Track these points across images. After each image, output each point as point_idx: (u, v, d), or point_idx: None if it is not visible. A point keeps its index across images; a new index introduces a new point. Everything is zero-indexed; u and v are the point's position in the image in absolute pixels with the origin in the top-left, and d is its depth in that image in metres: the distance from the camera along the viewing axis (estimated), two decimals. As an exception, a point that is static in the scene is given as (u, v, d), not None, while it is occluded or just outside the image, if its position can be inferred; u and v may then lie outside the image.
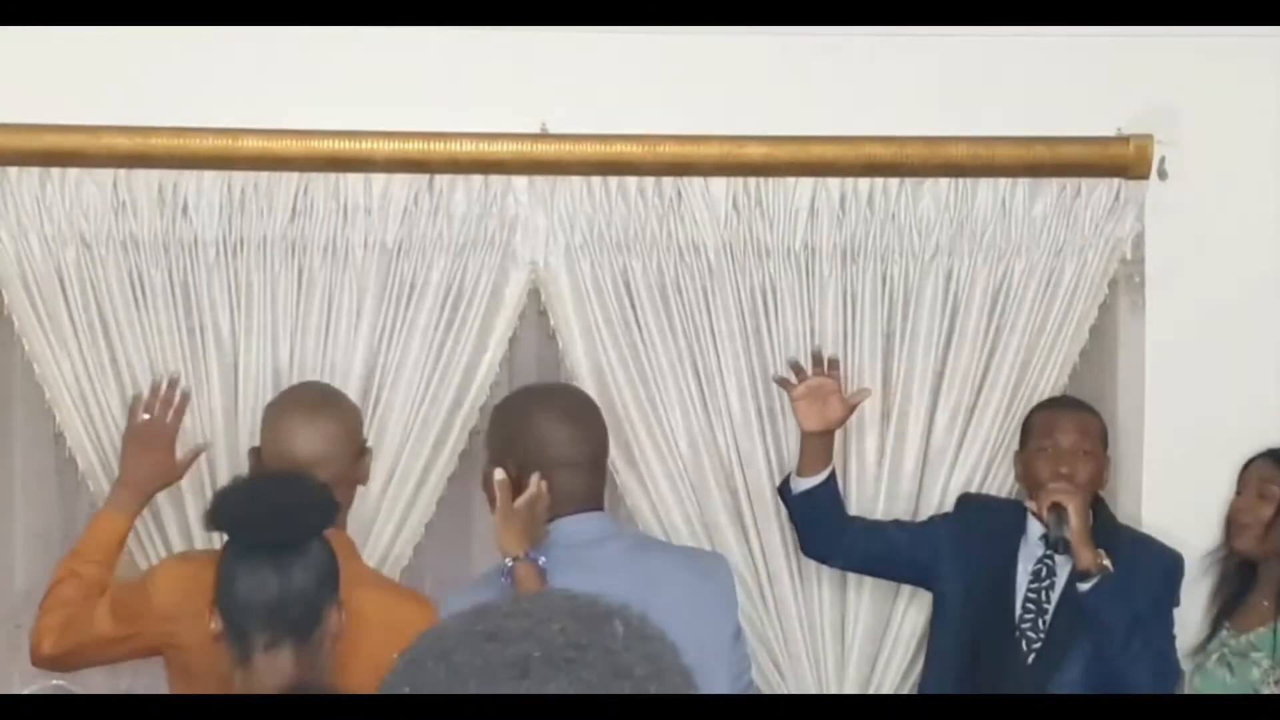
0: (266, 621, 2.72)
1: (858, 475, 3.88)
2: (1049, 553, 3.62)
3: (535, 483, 3.18)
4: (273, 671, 2.71)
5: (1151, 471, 3.92)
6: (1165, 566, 3.67)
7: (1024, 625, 3.64)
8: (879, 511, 3.88)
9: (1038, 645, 3.62)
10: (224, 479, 3.56)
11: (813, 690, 3.86)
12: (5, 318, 3.79)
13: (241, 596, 2.74)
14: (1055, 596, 3.64)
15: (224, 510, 2.81)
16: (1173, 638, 3.66)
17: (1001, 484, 3.92)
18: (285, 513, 2.77)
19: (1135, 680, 3.50)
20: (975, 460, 3.90)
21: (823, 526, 3.73)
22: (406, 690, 1.10)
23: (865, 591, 3.89)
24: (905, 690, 3.92)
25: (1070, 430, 3.67)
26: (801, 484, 3.71)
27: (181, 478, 3.55)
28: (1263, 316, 3.94)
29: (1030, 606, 3.65)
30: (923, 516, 3.88)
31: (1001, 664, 3.61)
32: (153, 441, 3.49)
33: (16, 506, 3.88)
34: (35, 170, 3.73)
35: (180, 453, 3.53)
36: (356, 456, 3.30)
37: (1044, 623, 3.63)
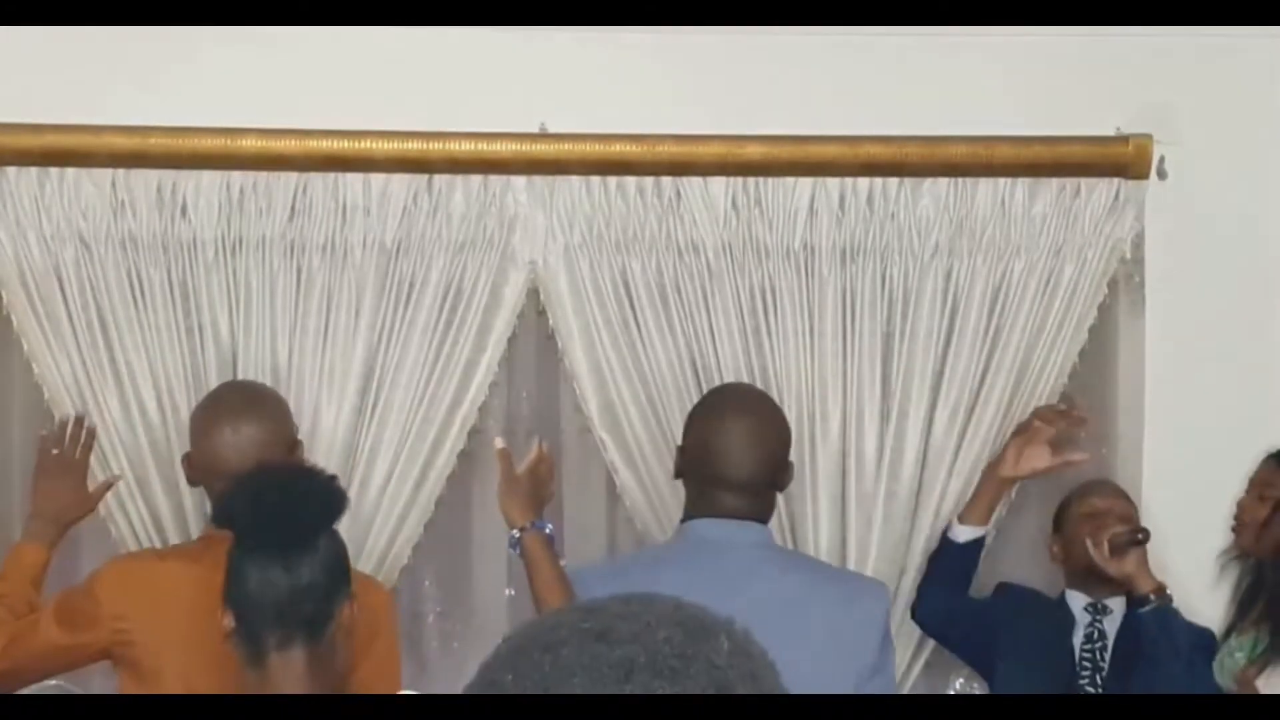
0: (278, 620, 2.71)
1: (857, 475, 3.88)
2: (1098, 619, 3.72)
3: (536, 446, 3.18)
4: (286, 671, 2.70)
5: (1151, 472, 3.92)
6: (1198, 640, 3.69)
7: (1082, 681, 3.69)
8: (879, 512, 3.88)
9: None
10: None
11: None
12: (4, 317, 3.79)
13: (252, 595, 2.72)
14: (1108, 655, 3.70)
15: (231, 508, 2.80)
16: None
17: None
18: (292, 509, 2.76)
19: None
20: (975, 460, 3.89)
21: (957, 585, 3.73)
22: (509, 679, 1.09)
23: (865, 591, 3.89)
24: (905, 690, 3.91)
25: (1114, 502, 3.75)
26: (968, 533, 3.71)
27: (94, 509, 3.54)
28: (1263, 316, 3.94)
29: (1086, 664, 3.71)
30: (923, 516, 3.88)
31: None
32: (63, 475, 3.49)
33: (16, 506, 3.87)
34: (34, 170, 3.72)
35: (92, 486, 3.53)
36: (288, 452, 3.27)
37: (1100, 678, 3.69)
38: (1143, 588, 3.61)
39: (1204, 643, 3.71)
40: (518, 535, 3.13)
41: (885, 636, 3.21)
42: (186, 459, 3.33)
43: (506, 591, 3.84)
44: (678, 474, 3.32)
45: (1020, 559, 3.96)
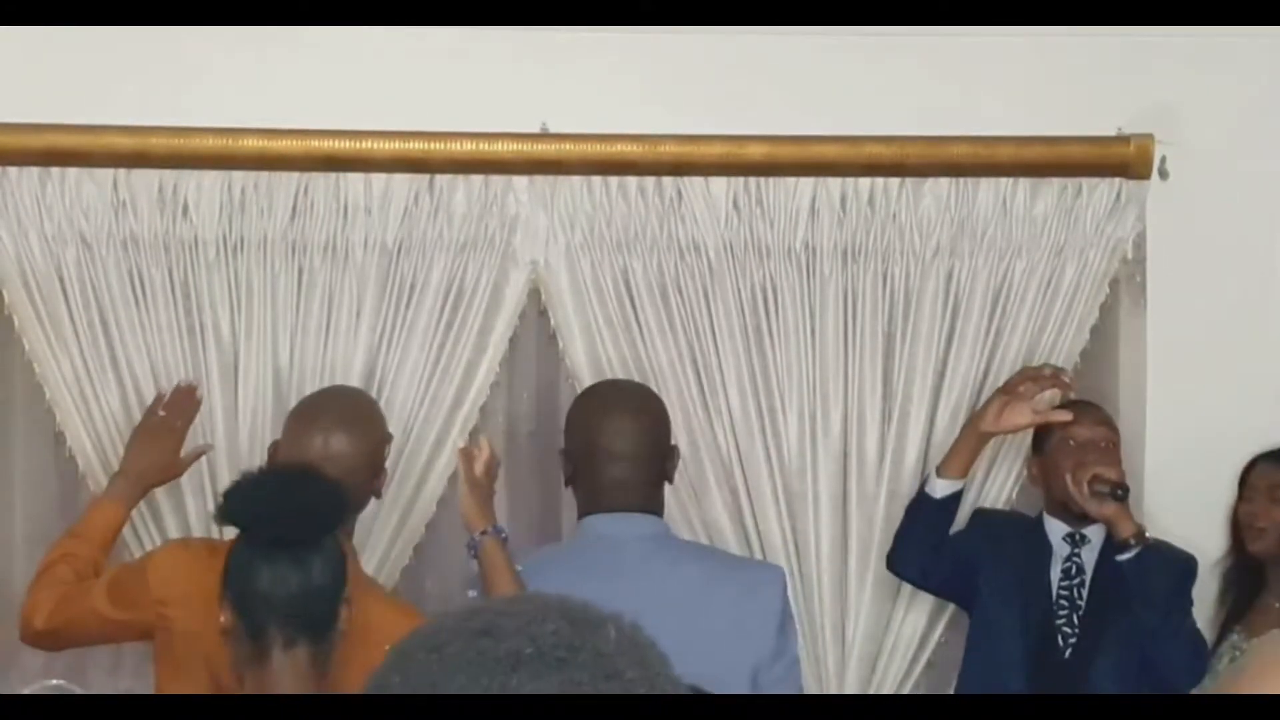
0: (285, 619, 2.69)
1: (859, 475, 3.88)
2: (1076, 551, 3.70)
3: (486, 445, 3.17)
4: (290, 670, 2.69)
5: (1153, 471, 3.92)
6: (1180, 570, 3.68)
7: (1059, 622, 3.67)
8: (879, 513, 3.88)
9: (1073, 640, 3.66)
10: (224, 478, 3.56)
11: (813, 690, 3.85)
12: (5, 317, 3.79)
13: (262, 592, 2.70)
14: (1085, 592, 3.68)
15: (238, 505, 2.77)
16: (1198, 627, 3.69)
17: (1002, 484, 3.92)
18: (303, 509, 2.75)
19: (1175, 656, 3.57)
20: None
21: (933, 537, 3.72)
22: (396, 680, 1.10)
23: (865, 592, 3.89)
24: (906, 691, 3.91)
25: (1093, 425, 3.71)
26: (945, 486, 3.70)
27: (182, 474, 3.58)
28: (1264, 316, 3.94)
29: (1064, 604, 3.69)
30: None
31: (1040, 663, 3.64)
32: (161, 437, 3.54)
33: (16, 506, 3.88)
34: (35, 170, 3.73)
35: (184, 452, 3.56)
36: (373, 475, 3.24)
37: (1077, 618, 3.67)
38: (1122, 532, 3.59)
39: (1185, 583, 3.67)
40: (478, 539, 3.13)
41: (784, 621, 3.24)
42: (274, 446, 3.33)
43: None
44: (568, 481, 3.34)
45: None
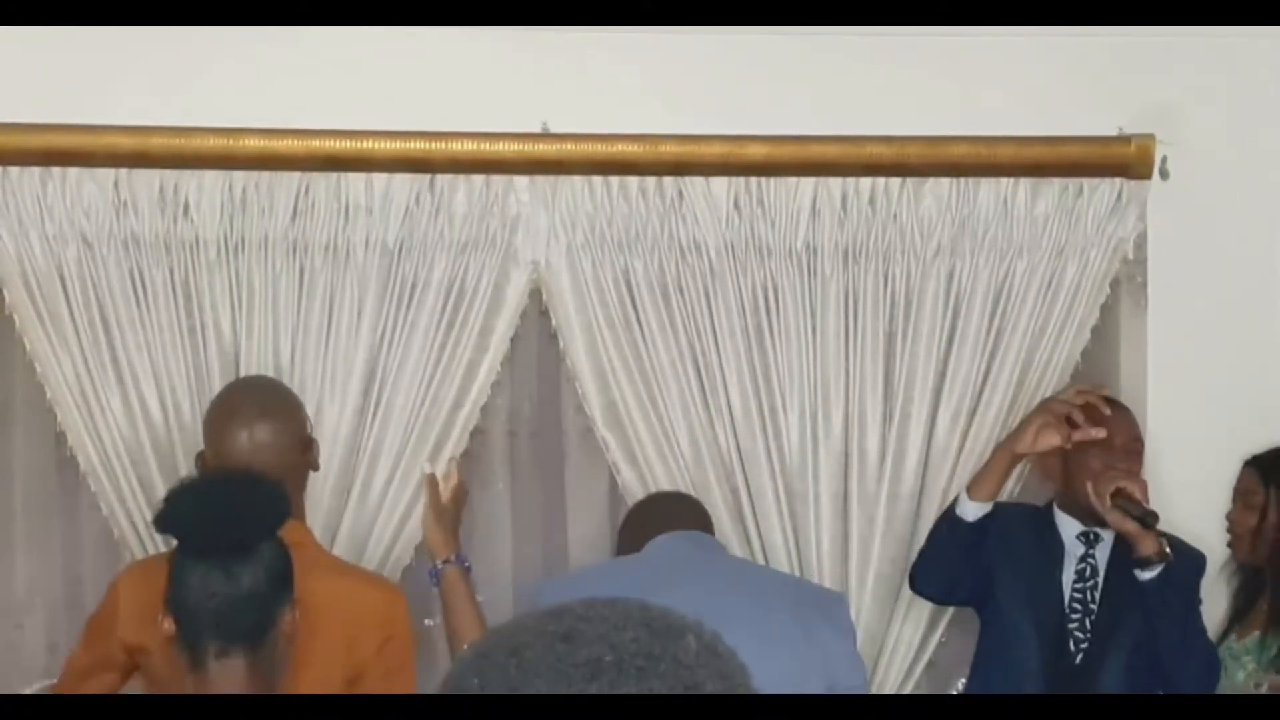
0: (217, 628, 2.66)
1: (860, 475, 3.88)
2: (1090, 551, 3.67)
3: (455, 471, 3.17)
4: (226, 678, 2.66)
5: (1154, 471, 3.90)
6: (1191, 566, 3.66)
7: (1071, 625, 3.65)
8: (880, 513, 3.87)
9: (1084, 645, 3.63)
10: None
11: (814, 690, 3.85)
12: (6, 317, 3.79)
13: (191, 602, 2.67)
14: (1098, 595, 3.65)
15: (172, 513, 2.75)
16: (1206, 631, 3.67)
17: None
18: (234, 515, 2.71)
19: (1187, 669, 3.54)
20: (977, 460, 3.89)
21: (962, 557, 3.67)
22: (474, 682, 1.09)
23: (866, 592, 3.88)
24: (907, 691, 3.91)
25: (1121, 428, 3.68)
26: (977, 509, 3.65)
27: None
28: (1265, 316, 3.94)
29: (1076, 607, 3.66)
30: (924, 516, 3.87)
31: (1052, 666, 3.61)
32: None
33: (16, 506, 3.87)
34: (36, 169, 3.72)
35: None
36: (302, 452, 3.26)
37: (1089, 622, 3.64)
38: (1144, 550, 3.52)
39: (1196, 583, 3.64)
40: (440, 567, 3.12)
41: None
42: (200, 458, 3.32)
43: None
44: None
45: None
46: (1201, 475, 3.85)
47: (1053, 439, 3.65)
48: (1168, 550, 3.52)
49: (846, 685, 3.12)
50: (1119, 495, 3.52)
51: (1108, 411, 3.68)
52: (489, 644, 1.12)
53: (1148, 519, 3.51)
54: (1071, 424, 3.64)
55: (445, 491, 3.18)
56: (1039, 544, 3.69)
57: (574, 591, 2.90)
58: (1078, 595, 3.67)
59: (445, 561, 3.12)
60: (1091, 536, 3.69)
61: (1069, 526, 3.70)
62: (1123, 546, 3.60)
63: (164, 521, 2.77)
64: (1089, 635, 3.63)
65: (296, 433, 3.28)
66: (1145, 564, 3.53)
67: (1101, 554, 3.68)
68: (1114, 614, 3.62)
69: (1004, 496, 3.86)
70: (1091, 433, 3.63)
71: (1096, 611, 3.65)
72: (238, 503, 2.74)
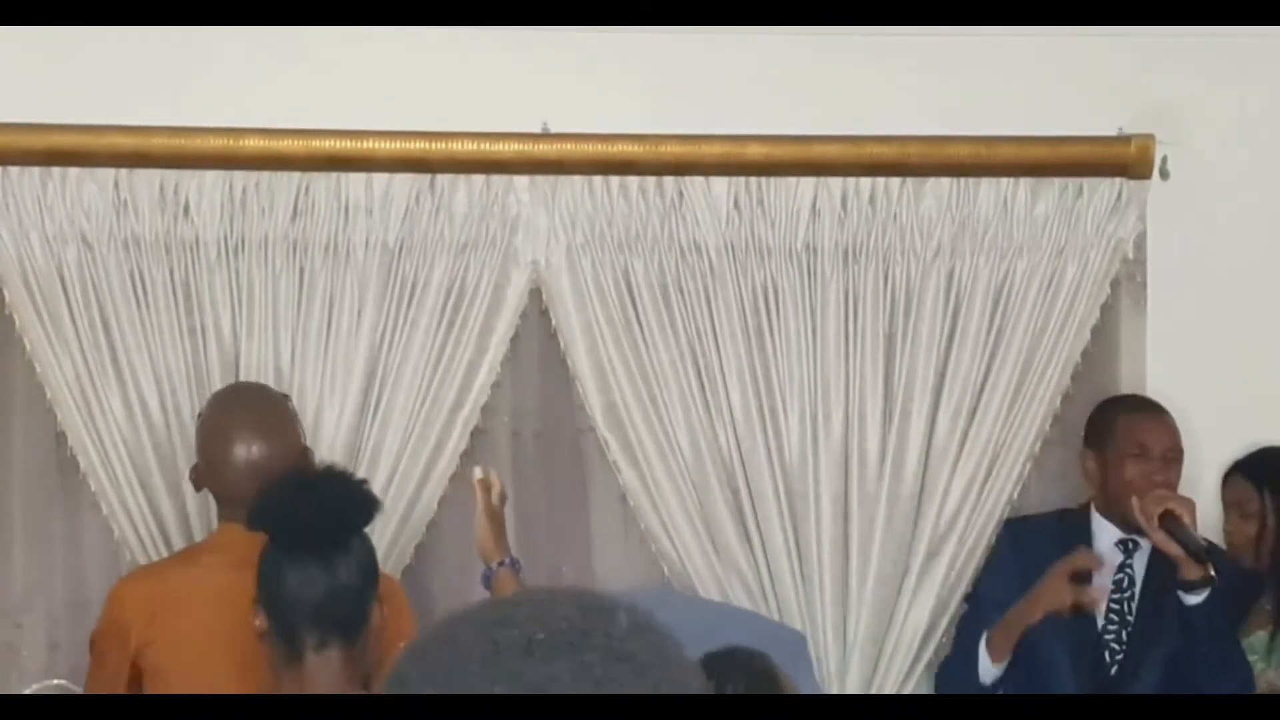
0: (316, 620, 2.73)
1: (860, 475, 3.88)
2: (1128, 561, 3.62)
3: (496, 477, 3.17)
4: (324, 670, 2.74)
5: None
6: (1229, 581, 3.58)
7: (1107, 637, 3.61)
8: (880, 513, 3.87)
9: (1120, 657, 3.61)
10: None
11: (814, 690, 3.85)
12: (6, 317, 3.79)
13: (290, 595, 2.75)
14: (1135, 606, 3.61)
15: (267, 511, 2.83)
16: (1241, 647, 3.63)
17: (1003, 485, 3.91)
18: (332, 510, 2.80)
19: (1226, 686, 3.46)
20: (977, 461, 3.90)
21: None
22: (413, 675, 1.11)
23: (867, 592, 3.88)
24: (907, 690, 3.91)
25: (1161, 436, 3.64)
26: (995, 672, 3.60)
27: None
28: (1265, 316, 3.94)
29: (1113, 618, 3.62)
30: (924, 517, 3.88)
31: (1087, 678, 3.57)
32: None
33: (16, 506, 3.87)
34: (36, 170, 3.72)
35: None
36: (298, 461, 3.27)
37: (1126, 634, 3.61)
38: (1191, 575, 3.45)
39: (1237, 602, 3.61)
40: (494, 569, 3.13)
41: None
42: (195, 470, 3.33)
43: None
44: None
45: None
46: (1201, 476, 3.85)
47: (1063, 600, 3.52)
48: (1213, 574, 3.44)
49: None
50: (1167, 517, 3.45)
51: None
52: (424, 638, 1.14)
53: (1202, 553, 3.42)
54: (1078, 578, 3.54)
55: (494, 496, 3.18)
56: (1065, 546, 3.61)
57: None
58: (1114, 605, 3.62)
59: (500, 564, 3.13)
60: (1130, 545, 3.65)
61: (1106, 533, 3.65)
62: (1164, 562, 3.52)
63: (261, 519, 2.83)
64: (1125, 647, 3.60)
65: (292, 445, 3.29)
66: (1190, 587, 3.46)
67: (1140, 563, 3.63)
68: (1151, 625, 3.57)
69: (1002, 504, 3.84)
70: (1091, 596, 3.53)
71: (1133, 623, 3.60)
72: (331, 499, 2.82)
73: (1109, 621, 3.63)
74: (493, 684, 1.08)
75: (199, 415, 3.40)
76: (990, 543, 3.87)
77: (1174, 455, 3.65)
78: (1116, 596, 3.64)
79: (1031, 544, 3.68)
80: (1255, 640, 3.72)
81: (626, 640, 1.11)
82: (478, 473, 3.17)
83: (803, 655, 3.26)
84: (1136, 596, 3.63)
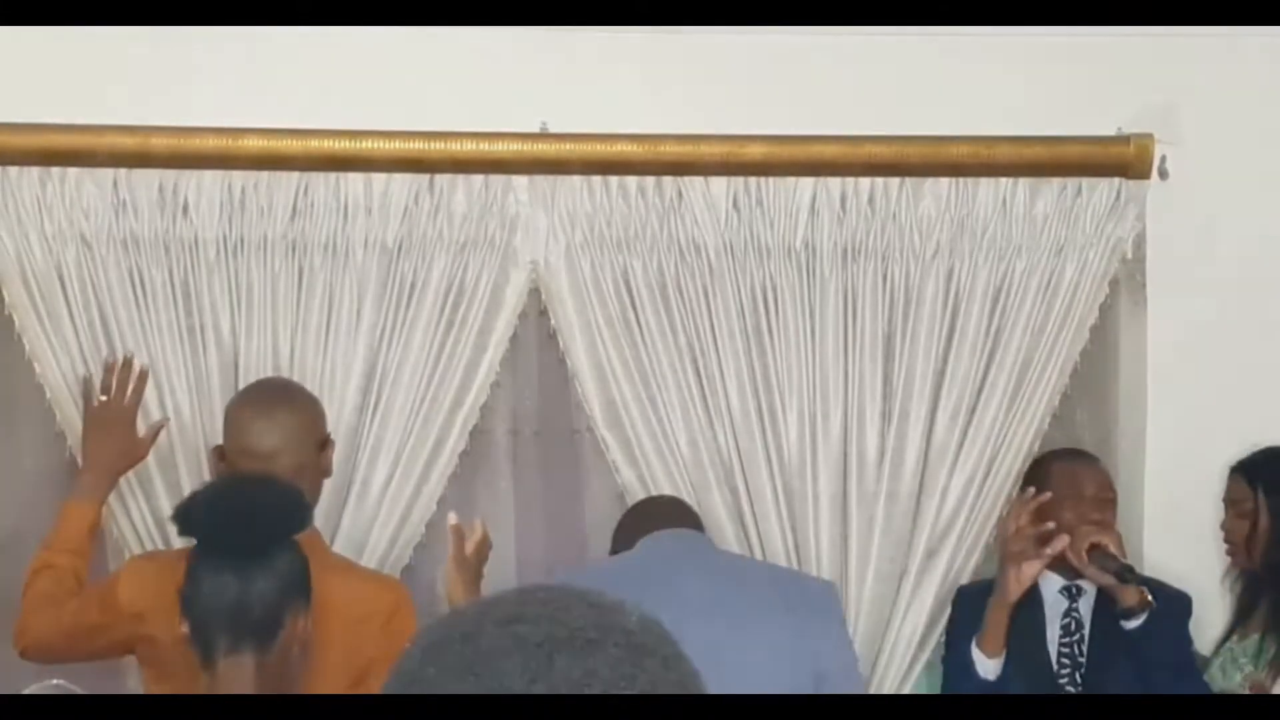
0: (227, 627, 2.73)
1: (859, 475, 3.88)
2: (1074, 605, 3.66)
3: (479, 525, 3.16)
4: (234, 677, 2.72)
5: (1153, 472, 3.92)
6: (1176, 610, 3.64)
7: (1062, 680, 3.63)
8: (879, 513, 3.88)
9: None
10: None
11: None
12: (5, 316, 3.79)
13: (204, 601, 2.75)
14: (1085, 647, 3.64)
15: (192, 514, 2.82)
16: (1199, 673, 3.67)
17: (1002, 484, 3.92)
18: (252, 518, 2.78)
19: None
20: (976, 460, 3.90)
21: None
22: (431, 672, 1.10)
23: (865, 592, 3.89)
24: (906, 690, 3.91)
25: (1094, 478, 3.68)
26: (994, 667, 3.60)
27: (146, 456, 3.53)
28: (1264, 315, 3.94)
29: (1065, 662, 3.65)
30: (923, 516, 3.88)
31: None
32: (113, 422, 3.47)
33: (16, 506, 3.87)
34: (35, 169, 3.72)
35: (142, 430, 3.51)
36: (319, 449, 3.29)
37: (1080, 675, 3.63)
38: (1125, 601, 3.52)
39: (1185, 626, 3.63)
40: None
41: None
42: (218, 450, 3.33)
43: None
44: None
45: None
46: (1201, 475, 3.85)
47: (1033, 568, 3.56)
48: (1150, 599, 3.51)
49: (837, 674, 3.12)
50: (1094, 550, 3.52)
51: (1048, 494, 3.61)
52: (438, 634, 1.13)
53: (1125, 574, 3.49)
54: (1042, 540, 3.56)
55: (469, 544, 3.16)
56: (1020, 609, 3.62)
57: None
58: (1065, 650, 3.66)
59: None
60: (1074, 590, 3.68)
61: (1051, 582, 3.67)
62: (1106, 598, 3.59)
63: (182, 522, 2.83)
64: (1080, 688, 3.62)
65: (315, 426, 3.30)
66: (1129, 614, 3.52)
67: (1085, 606, 3.67)
68: (1103, 664, 3.61)
69: (987, 522, 3.85)
70: (1058, 545, 3.54)
71: (1085, 664, 3.63)
72: (256, 506, 2.80)
73: (1061, 665, 3.65)
74: (531, 682, 1.07)
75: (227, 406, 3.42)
76: (989, 543, 3.88)
77: (1108, 496, 3.68)
78: (1066, 640, 3.66)
79: (985, 604, 3.67)
80: (1247, 644, 3.73)
81: (640, 634, 1.12)
82: (452, 518, 3.14)
83: (829, 606, 3.24)
84: (1086, 639, 3.66)
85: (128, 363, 3.55)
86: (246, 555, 2.75)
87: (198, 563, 2.78)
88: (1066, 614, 3.68)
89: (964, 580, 3.90)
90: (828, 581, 3.56)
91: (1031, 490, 3.65)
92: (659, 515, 3.41)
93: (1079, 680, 3.63)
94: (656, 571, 3.08)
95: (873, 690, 3.89)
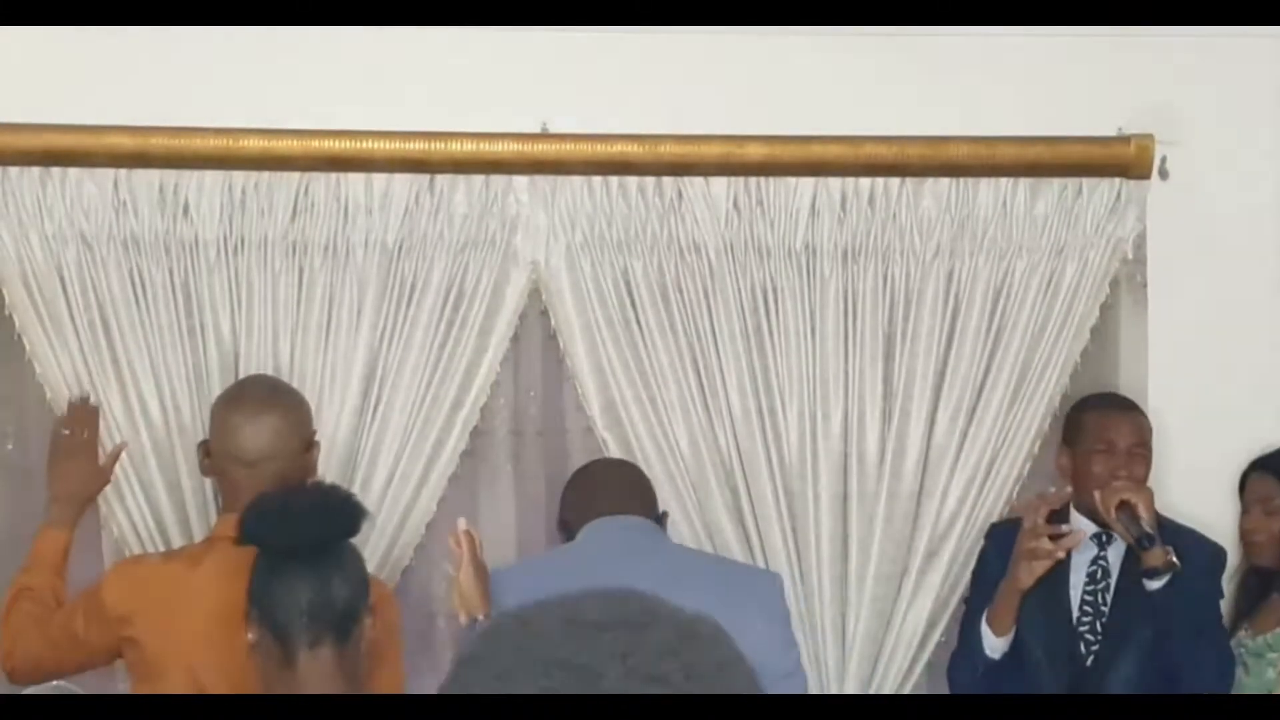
0: (309, 624, 2.77)
1: (859, 475, 3.88)
2: (1102, 553, 3.65)
3: (469, 530, 3.17)
4: (317, 670, 2.77)
5: (1154, 471, 3.91)
6: (1208, 559, 3.65)
7: (1082, 628, 3.63)
8: (879, 512, 3.88)
9: (1096, 647, 3.62)
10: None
11: (814, 690, 3.85)
12: (6, 317, 3.79)
13: (281, 599, 2.79)
14: (1110, 597, 3.64)
15: (256, 524, 2.87)
16: (1225, 629, 3.67)
17: (1002, 484, 3.91)
18: (323, 521, 2.85)
19: (1200, 674, 3.51)
20: (976, 460, 3.90)
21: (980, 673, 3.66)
22: (485, 651, 1.10)
23: (865, 592, 3.89)
24: (906, 690, 3.91)
25: (1127, 433, 3.67)
26: (1002, 645, 3.61)
27: (109, 480, 3.59)
28: (1265, 316, 3.94)
29: (1088, 610, 3.65)
30: (923, 516, 3.88)
31: (1063, 669, 3.60)
32: (75, 455, 3.56)
33: (16, 506, 3.87)
34: (36, 170, 3.72)
35: (102, 459, 3.59)
36: (304, 450, 3.31)
37: (1101, 625, 3.63)
38: (1150, 562, 3.50)
39: (1215, 580, 3.63)
40: (481, 620, 3.13)
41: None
42: (203, 446, 3.35)
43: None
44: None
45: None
46: (1201, 475, 3.86)
47: (1043, 566, 3.56)
48: (1174, 560, 3.49)
49: (774, 669, 3.10)
50: (1122, 509, 3.51)
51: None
52: (495, 621, 1.13)
53: (1144, 542, 3.48)
54: (1054, 537, 3.57)
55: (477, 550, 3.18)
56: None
57: (521, 579, 2.97)
58: (1089, 597, 3.65)
59: (486, 617, 3.13)
60: (1104, 538, 3.67)
61: (1083, 527, 3.66)
62: (1140, 590, 3.56)
63: (251, 531, 2.88)
64: (1100, 638, 3.62)
65: (301, 428, 3.31)
66: (1152, 574, 3.51)
67: (1115, 555, 3.66)
68: (1126, 616, 3.60)
69: (1002, 502, 3.86)
70: (1069, 541, 3.57)
71: (1108, 614, 3.63)
72: (318, 509, 2.88)
73: (1083, 613, 3.65)
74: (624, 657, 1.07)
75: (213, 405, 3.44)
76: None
77: (1140, 450, 3.67)
78: (1091, 588, 3.67)
79: (1006, 538, 3.69)
80: (1272, 638, 3.72)
81: (679, 614, 1.12)
82: (462, 524, 3.15)
83: (775, 600, 3.25)
84: (1111, 588, 3.65)
85: (84, 400, 3.66)
86: (319, 556, 2.81)
87: (267, 569, 2.83)
88: (1094, 561, 3.67)
89: (964, 580, 3.89)
90: (773, 574, 3.54)
91: (1052, 489, 3.66)
92: (606, 495, 3.37)
93: (1099, 630, 3.62)
94: (597, 566, 3.08)
95: (873, 690, 3.90)
